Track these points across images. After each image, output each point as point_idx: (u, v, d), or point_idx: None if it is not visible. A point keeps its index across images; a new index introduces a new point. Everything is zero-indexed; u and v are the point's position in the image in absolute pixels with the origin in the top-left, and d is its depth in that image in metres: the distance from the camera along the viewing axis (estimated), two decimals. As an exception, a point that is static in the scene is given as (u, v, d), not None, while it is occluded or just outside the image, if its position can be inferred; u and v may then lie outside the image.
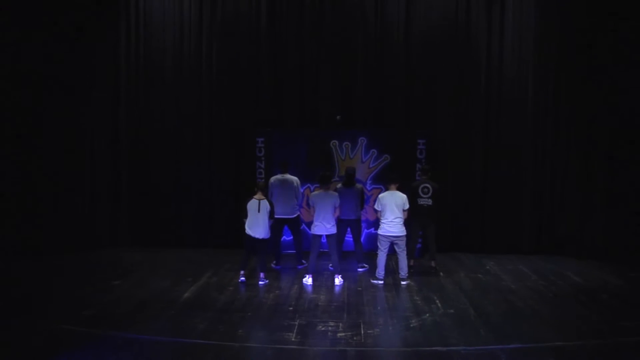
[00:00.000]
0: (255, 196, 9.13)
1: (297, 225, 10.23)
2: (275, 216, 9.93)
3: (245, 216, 9.15)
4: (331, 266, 9.56)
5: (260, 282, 9.19)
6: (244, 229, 9.21)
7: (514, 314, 7.94)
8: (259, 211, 9.03)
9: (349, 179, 9.90)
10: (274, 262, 10.19)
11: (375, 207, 9.41)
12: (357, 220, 9.93)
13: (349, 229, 9.98)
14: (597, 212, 11.02)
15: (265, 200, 9.14)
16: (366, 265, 10.02)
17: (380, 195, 9.48)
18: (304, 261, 9.96)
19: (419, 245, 10.52)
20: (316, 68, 11.57)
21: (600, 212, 10.99)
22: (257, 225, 9.08)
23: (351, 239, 10.14)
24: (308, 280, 9.27)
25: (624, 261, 10.49)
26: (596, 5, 10.75)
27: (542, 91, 11.28)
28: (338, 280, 9.26)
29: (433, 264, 10.01)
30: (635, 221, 10.57)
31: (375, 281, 9.30)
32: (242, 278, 9.22)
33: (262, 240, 9.15)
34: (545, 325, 7.48)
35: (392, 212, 9.12)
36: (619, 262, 10.48)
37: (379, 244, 9.33)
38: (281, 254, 10.34)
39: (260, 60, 11.56)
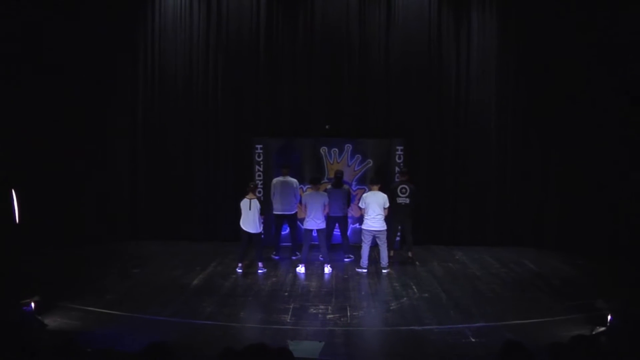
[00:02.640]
0: (247, 196, 9.16)
1: (294, 221, 10.26)
2: (277, 212, 10.01)
3: (240, 214, 9.21)
4: (321, 257, 9.57)
5: (259, 271, 9.24)
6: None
7: (479, 297, 8.04)
8: (250, 209, 9.07)
9: (338, 181, 9.94)
10: (274, 252, 10.23)
11: (360, 205, 9.48)
12: (344, 217, 9.95)
13: (337, 225, 10.01)
14: (552, 210, 11.16)
15: (255, 199, 9.17)
16: (352, 256, 10.04)
17: (364, 195, 9.54)
18: (297, 252, 9.98)
19: (398, 239, 10.59)
20: (308, 84, 11.57)
21: (554, 210, 11.12)
22: (249, 222, 9.10)
23: (339, 233, 10.20)
24: (301, 269, 9.32)
25: (573, 251, 10.59)
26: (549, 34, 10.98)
27: (503, 105, 11.39)
28: (327, 269, 9.32)
29: (410, 254, 10.07)
30: (583, 217, 10.70)
31: (359, 270, 9.36)
32: (240, 270, 9.23)
33: (255, 234, 9.18)
34: (506, 306, 7.61)
35: (374, 209, 9.18)
36: (570, 252, 10.58)
37: (362, 237, 9.39)
38: (280, 246, 10.39)
39: (259, 77, 11.57)
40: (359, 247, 9.53)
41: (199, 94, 11.71)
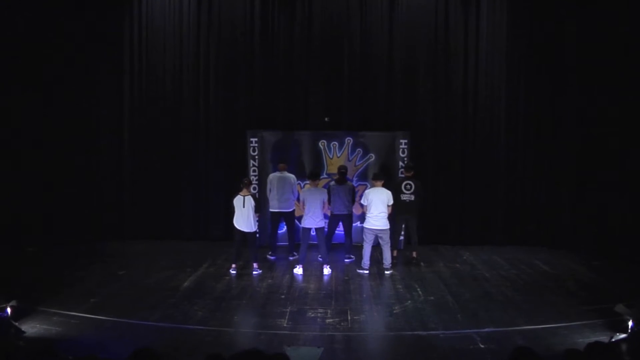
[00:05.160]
0: (240, 193, 9.09)
1: (292, 219, 10.23)
2: (273, 210, 9.99)
3: (233, 211, 9.15)
4: (320, 257, 9.52)
5: (254, 272, 9.18)
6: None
7: (488, 300, 8.00)
8: (243, 207, 9.01)
9: (342, 176, 9.87)
10: (270, 252, 10.19)
11: (362, 202, 9.42)
12: (348, 215, 9.88)
13: (340, 223, 9.96)
14: (565, 207, 11.12)
15: (250, 196, 9.11)
16: (352, 257, 10.01)
17: (366, 192, 9.49)
18: (295, 252, 9.94)
19: (401, 238, 10.53)
20: (306, 73, 11.54)
21: (567, 207, 11.08)
22: (243, 220, 9.04)
23: (342, 232, 10.15)
24: (299, 270, 9.26)
25: (587, 251, 10.56)
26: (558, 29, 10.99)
27: (514, 101, 11.38)
28: (326, 270, 9.27)
29: (414, 254, 10.04)
30: (597, 215, 10.63)
31: (361, 271, 9.32)
32: (233, 271, 9.17)
33: (249, 233, 9.12)
34: (516, 310, 7.55)
35: (377, 207, 9.11)
36: (584, 252, 10.56)
37: (364, 236, 9.34)
38: (277, 245, 10.33)
39: (254, 65, 11.51)
40: (360, 247, 9.49)
41: (190, 83, 11.64)
